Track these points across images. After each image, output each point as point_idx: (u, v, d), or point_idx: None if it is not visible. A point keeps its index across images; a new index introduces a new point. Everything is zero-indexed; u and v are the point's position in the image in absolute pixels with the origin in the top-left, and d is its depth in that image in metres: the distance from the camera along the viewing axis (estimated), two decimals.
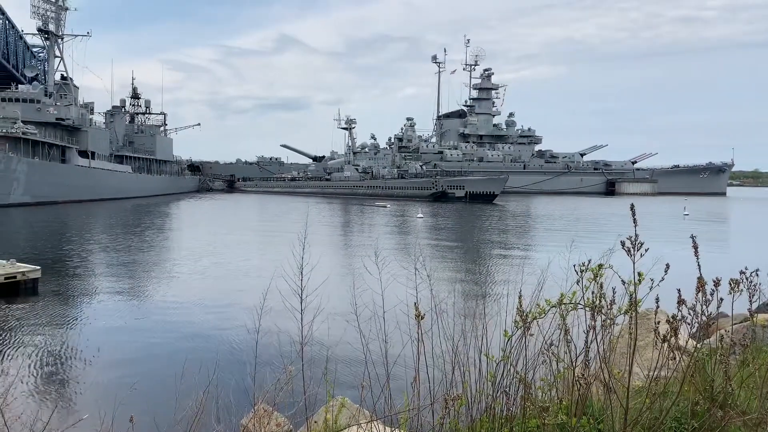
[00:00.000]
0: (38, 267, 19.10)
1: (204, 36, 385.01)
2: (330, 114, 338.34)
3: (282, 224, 48.44)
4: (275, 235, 39.08)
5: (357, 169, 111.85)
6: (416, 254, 25.95)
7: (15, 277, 18.14)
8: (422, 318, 3.57)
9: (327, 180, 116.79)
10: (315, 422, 4.21)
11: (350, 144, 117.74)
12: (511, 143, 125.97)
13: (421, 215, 53.43)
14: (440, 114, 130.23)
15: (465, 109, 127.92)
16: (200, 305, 17.46)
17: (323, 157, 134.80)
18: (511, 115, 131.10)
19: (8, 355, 12.27)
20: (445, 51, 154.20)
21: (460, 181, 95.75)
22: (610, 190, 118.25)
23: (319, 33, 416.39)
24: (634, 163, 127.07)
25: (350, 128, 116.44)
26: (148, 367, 11.52)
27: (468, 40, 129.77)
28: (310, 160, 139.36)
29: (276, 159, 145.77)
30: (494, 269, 23.89)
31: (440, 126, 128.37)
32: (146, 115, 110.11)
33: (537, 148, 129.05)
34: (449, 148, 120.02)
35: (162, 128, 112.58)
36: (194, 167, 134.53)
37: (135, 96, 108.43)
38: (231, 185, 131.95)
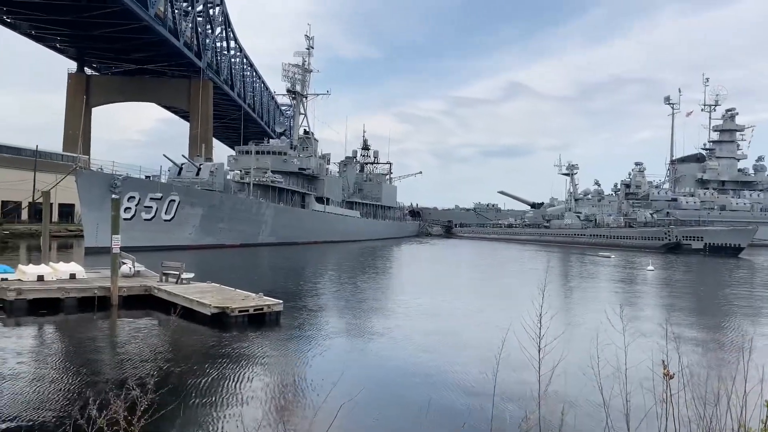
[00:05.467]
0: (281, 301, 21.21)
1: (433, 89, 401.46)
2: (552, 160, 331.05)
3: (498, 271, 48.24)
4: (493, 281, 38.96)
5: (579, 217, 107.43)
6: (661, 311, 24.10)
7: (262, 309, 20.36)
8: (671, 377, 3.28)
9: (545, 227, 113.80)
10: None
11: (572, 190, 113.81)
12: (761, 190, 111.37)
13: (652, 267, 49.36)
14: (674, 158, 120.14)
15: (703, 152, 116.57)
16: (429, 344, 18.08)
17: (542, 203, 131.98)
18: (760, 158, 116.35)
19: (255, 374, 13.85)
20: (680, 91, 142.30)
21: (698, 231, 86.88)
22: None
23: (548, 78, 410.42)
24: None
25: (572, 174, 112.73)
26: (381, 396, 12.09)
27: (707, 79, 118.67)
28: (528, 207, 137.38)
29: (493, 205, 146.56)
30: (748, 329, 21.06)
31: (674, 171, 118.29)
32: (374, 165, 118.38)
33: None
34: (685, 195, 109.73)
35: (387, 176, 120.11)
36: (415, 213, 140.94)
37: (365, 147, 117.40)
38: (448, 230, 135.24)
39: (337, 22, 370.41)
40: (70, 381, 12.92)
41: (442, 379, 13.59)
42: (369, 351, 17.30)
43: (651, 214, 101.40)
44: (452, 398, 11.57)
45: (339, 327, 20.81)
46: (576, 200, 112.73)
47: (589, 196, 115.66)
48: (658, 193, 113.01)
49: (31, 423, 10.25)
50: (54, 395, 11.96)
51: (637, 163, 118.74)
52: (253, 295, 21.60)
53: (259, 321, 19.89)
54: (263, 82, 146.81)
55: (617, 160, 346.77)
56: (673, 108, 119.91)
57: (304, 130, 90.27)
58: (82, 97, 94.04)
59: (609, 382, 3.69)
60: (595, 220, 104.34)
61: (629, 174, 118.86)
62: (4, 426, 10.00)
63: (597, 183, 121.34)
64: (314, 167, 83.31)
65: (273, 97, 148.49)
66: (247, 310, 19.94)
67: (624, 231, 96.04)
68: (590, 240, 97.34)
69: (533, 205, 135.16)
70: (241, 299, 21.10)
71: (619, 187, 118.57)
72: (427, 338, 19.05)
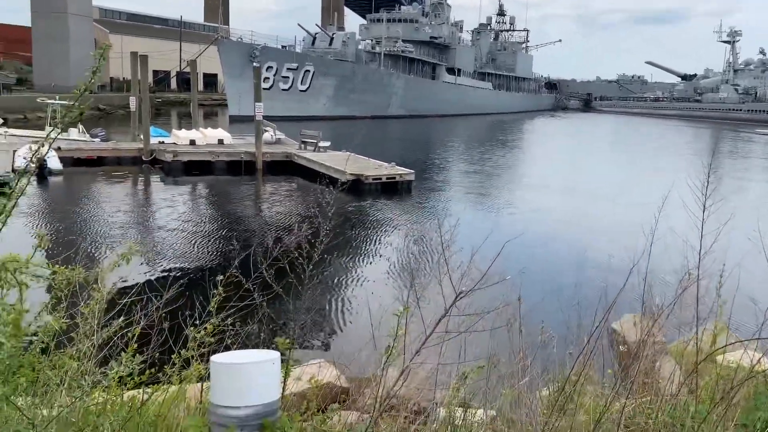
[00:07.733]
0: (412, 171, 21.65)
1: None
2: (710, 27, 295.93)
3: (645, 147, 45.69)
4: (642, 156, 37.18)
5: (737, 90, 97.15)
6: None
7: (395, 178, 20.99)
8: None
9: (697, 101, 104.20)
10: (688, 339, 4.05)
11: (731, 60, 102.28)
12: None
13: None
14: None
15: None
16: (578, 207, 18.24)
17: (694, 75, 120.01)
18: None
19: (398, 228, 15.44)
20: None
21: None
22: None
23: None
24: None
25: (733, 41, 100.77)
26: (536, 243, 12.52)
27: None
28: (678, 79, 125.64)
29: (638, 77, 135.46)
30: None
31: None
32: (510, 32, 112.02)
33: None
34: None
35: (524, 45, 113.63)
36: (551, 85, 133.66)
37: (501, 13, 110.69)
38: (587, 104, 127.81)
39: None
40: (242, 227, 14.62)
41: (597, 232, 13.76)
42: (510, 215, 17.66)
43: None
44: (609, 249, 11.64)
45: (472, 197, 21.12)
46: (735, 71, 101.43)
47: (752, 67, 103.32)
48: None
49: (213, 257, 11.80)
50: (233, 234, 13.95)
51: None
52: (386, 164, 22.15)
53: (391, 189, 20.59)
54: None
55: None
56: None
57: None
58: None
59: None
60: (756, 93, 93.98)
61: None
62: (192, 262, 11.54)
63: (762, 52, 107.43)
64: (446, 35, 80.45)
65: None
66: (380, 178, 20.62)
67: None
68: (748, 116, 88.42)
69: (684, 77, 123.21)
70: (374, 168, 21.73)
71: None
72: (574, 202, 19.06)
